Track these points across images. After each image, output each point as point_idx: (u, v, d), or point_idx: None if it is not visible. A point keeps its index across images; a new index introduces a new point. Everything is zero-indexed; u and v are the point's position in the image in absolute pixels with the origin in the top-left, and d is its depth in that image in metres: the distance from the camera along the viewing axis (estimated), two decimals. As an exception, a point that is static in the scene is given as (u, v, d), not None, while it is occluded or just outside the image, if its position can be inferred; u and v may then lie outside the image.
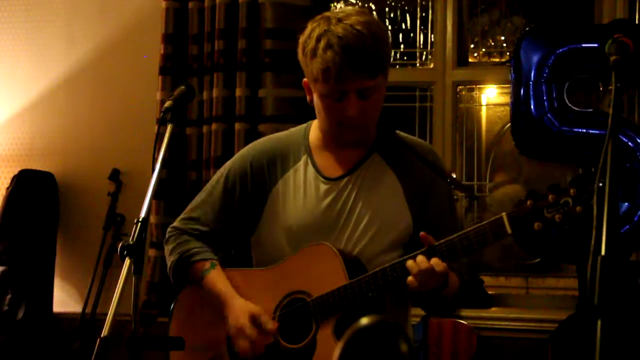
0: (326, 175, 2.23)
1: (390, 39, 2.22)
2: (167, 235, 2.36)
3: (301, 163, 2.26)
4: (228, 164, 2.36)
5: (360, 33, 2.05)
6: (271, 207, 2.26)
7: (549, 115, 3.30)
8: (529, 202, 1.91)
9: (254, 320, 2.16)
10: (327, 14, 2.15)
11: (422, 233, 2.02)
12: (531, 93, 3.31)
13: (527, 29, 3.43)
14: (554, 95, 3.31)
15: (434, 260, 1.98)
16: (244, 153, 2.35)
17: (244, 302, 2.20)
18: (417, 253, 2.02)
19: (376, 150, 2.24)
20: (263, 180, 2.27)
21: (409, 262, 2.00)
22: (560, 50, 3.31)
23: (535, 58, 3.33)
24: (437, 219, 2.18)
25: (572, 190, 1.86)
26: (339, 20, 2.08)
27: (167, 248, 2.34)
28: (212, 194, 2.33)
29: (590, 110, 3.42)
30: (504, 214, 1.94)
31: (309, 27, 2.14)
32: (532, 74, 3.32)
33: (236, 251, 2.48)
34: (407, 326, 2.30)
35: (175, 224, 2.37)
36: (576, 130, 3.28)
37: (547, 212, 1.89)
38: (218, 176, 2.35)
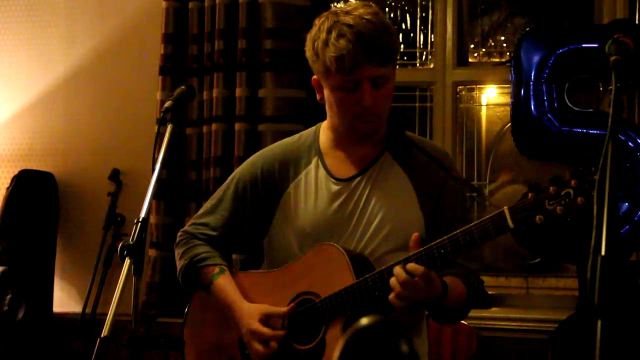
0: (337, 176, 2.23)
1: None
2: (177, 239, 2.38)
3: (312, 165, 2.26)
4: (238, 169, 2.37)
5: (371, 22, 2.08)
6: (283, 210, 2.26)
7: (549, 115, 3.29)
8: (530, 195, 1.90)
9: (265, 319, 2.17)
10: (333, 9, 2.17)
11: (414, 235, 2.02)
12: (531, 93, 3.31)
13: (528, 29, 3.43)
14: (554, 96, 3.31)
15: (410, 266, 1.97)
16: (254, 159, 2.36)
17: (252, 305, 2.21)
18: (423, 250, 2.01)
19: (387, 150, 2.24)
20: (275, 185, 2.28)
21: (396, 269, 1.99)
22: (561, 50, 3.31)
23: (535, 58, 3.32)
24: (449, 220, 2.17)
25: (573, 182, 1.85)
26: (347, 12, 2.11)
27: (177, 252, 2.36)
28: (222, 200, 2.34)
29: (591, 110, 3.42)
30: (505, 207, 1.93)
31: (317, 22, 2.15)
32: (532, 74, 3.31)
33: (249, 255, 2.49)
34: (421, 328, 2.28)
35: (186, 228, 2.38)
36: (576, 130, 3.28)
37: (549, 204, 1.88)
38: (228, 182, 2.35)
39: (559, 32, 3.39)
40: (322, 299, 2.11)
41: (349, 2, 2.19)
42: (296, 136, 2.36)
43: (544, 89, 3.30)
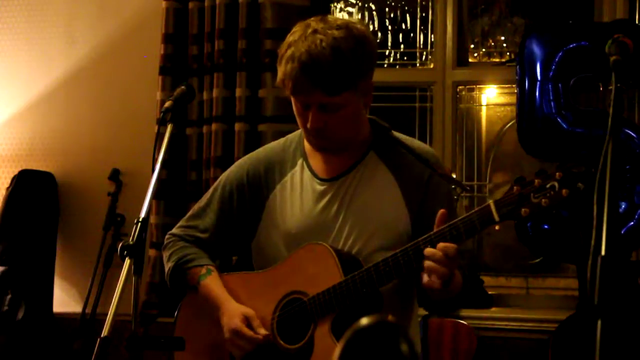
0: (322, 177, 2.23)
1: (372, 54, 2.14)
2: (165, 242, 2.38)
3: (297, 167, 2.27)
4: (225, 173, 2.38)
5: (323, 52, 2.03)
6: (270, 212, 2.27)
7: (559, 113, 3.26)
8: (515, 189, 1.90)
9: (247, 321, 2.17)
10: (312, 21, 2.12)
11: (441, 211, 1.99)
12: (539, 91, 3.27)
13: (534, 26, 3.40)
14: (561, 94, 3.27)
15: (440, 245, 1.95)
16: (240, 162, 2.37)
17: (237, 305, 2.21)
18: (418, 240, 2.00)
19: (372, 150, 2.24)
20: (261, 188, 2.29)
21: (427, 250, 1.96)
22: (568, 47, 3.28)
23: (542, 55, 3.29)
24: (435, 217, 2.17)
25: (558, 174, 1.85)
26: (314, 32, 2.07)
27: (165, 254, 2.37)
28: (210, 203, 2.35)
29: (598, 109, 3.39)
30: (490, 201, 1.93)
31: (295, 29, 2.13)
32: (540, 71, 3.28)
33: (238, 257, 2.49)
34: (412, 325, 2.29)
35: (174, 230, 2.39)
36: (585, 129, 3.24)
37: (534, 197, 1.88)
38: (216, 185, 2.37)
39: (566, 29, 3.36)
40: (310, 298, 2.11)
41: (331, 18, 2.14)
42: (282, 140, 2.37)
43: (552, 86, 3.26)
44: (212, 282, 2.26)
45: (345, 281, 2.06)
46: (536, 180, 1.88)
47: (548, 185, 1.86)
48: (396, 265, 2.02)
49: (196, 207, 2.39)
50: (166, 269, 2.35)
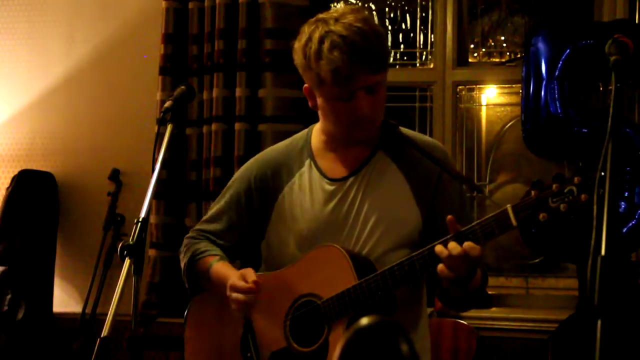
0: (331, 177, 2.23)
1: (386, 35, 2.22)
2: (182, 246, 2.39)
3: (305, 168, 2.26)
4: (234, 177, 2.39)
5: (362, 30, 2.05)
6: (279, 214, 2.27)
7: (561, 112, 3.24)
8: (533, 193, 1.87)
9: (243, 277, 2.16)
10: (321, 15, 2.13)
11: (448, 217, 1.97)
12: (543, 90, 3.25)
13: (540, 24, 3.37)
14: (567, 93, 3.25)
15: (467, 244, 1.93)
16: (247, 166, 2.37)
17: (238, 272, 2.20)
18: (435, 244, 1.99)
19: (381, 148, 2.23)
20: (268, 191, 2.28)
21: (438, 247, 1.96)
22: (574, 46, 3.26)
23: (548, 54, 3.27)
24: (447, 214, 2.15)
25: (576, 179, 1.83)
26: (337, 20, 2.07)
27: (181, 257, 2.38)
28: (220, 208, 2.36)
29: (603, 108, 3.37)
30: (508, 205, 1.91)
31: (306, 30, 2.12)
32: (545, 70, 3.26)
33: (242, 261, 2.49)
34: (422, 324, 2.27)
35: (190, 234, 2.41)
36: (588, 128, 3.22)
37: (552, 201, 1.85)
38: (225, 190, 2.38)
39: (573, 28, 3.34)
40: (325, 300, 2.11)
41: (337, 8, 2.15)
42: (288, 140, 2.37)
43: (557, 85, 3.24)
44: (223, 265, 2.26)
45: (360, 284, 2.06)
46: (554, 185, 1.85)
47: (566, 190, 1.84)
48: (412, 269, 2.01)
49: (209, 211, 2.40)
50: (182, 268, 2.35)
